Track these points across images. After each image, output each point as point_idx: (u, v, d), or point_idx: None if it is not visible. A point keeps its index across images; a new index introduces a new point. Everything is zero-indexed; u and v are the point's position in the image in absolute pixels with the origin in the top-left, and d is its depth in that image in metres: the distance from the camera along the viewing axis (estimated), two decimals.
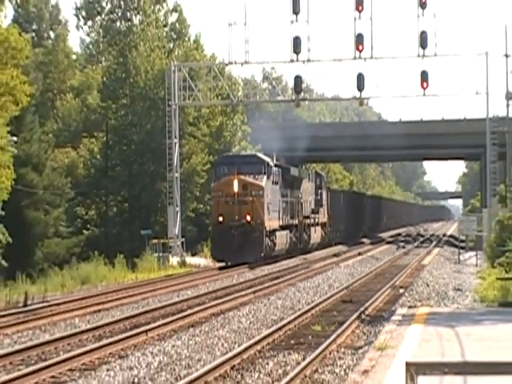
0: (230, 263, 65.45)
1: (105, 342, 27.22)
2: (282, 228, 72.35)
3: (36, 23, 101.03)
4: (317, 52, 72.84)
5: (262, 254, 65.61)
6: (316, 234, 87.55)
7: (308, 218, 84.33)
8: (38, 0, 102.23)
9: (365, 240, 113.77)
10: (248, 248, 63.77)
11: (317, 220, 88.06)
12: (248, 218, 64.69)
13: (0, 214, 61.89)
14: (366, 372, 19.08)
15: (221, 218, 65.58)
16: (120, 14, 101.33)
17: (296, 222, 78.57)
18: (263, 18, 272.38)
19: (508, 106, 71.33)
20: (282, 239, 72.05)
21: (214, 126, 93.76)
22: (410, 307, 35.11)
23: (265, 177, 66.88)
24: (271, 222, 67.93)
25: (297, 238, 78.82)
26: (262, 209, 65.33)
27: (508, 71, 70.33)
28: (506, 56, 68.57)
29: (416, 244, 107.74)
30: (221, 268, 64.31)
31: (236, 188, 64.67)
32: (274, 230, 69.23)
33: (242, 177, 65.53)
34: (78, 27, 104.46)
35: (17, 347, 26.58)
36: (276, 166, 71.81)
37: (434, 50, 67.93)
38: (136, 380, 21.12)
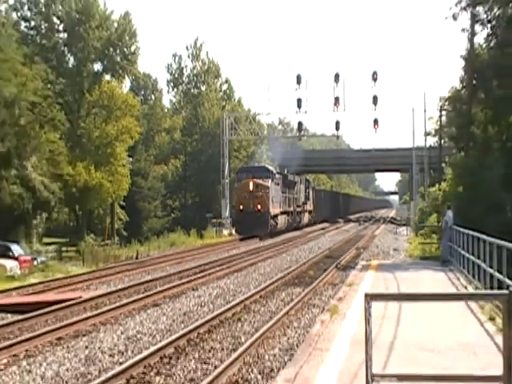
0: (246, 236, 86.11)
1: (184, 280, 42.36)
2: (282, 213, 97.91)
3: (143, 90, 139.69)
4: (311, 107, 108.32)
5: (268, 230, 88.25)
6: (305, 217, 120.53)
7: (300, 207, 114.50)
8: (144, 75, 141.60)
9: (340, 220, 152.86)
10: (258, 226, 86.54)
11: (306, 208, 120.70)
12: (258, 207, 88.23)
13: (122, 204, 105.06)
14: (340, 299, 28.17)
15: (241, 207, 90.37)
16: (193, 84, 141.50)
17: (292, 209, 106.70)
18: (279, 86, 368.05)
19: (425, 140, 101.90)
20: (282, 220, 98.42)
21: (249, 151, 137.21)
22: (367, 260, 49.81)
23: (270, 180, 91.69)
24: (274, 209, 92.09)
25: (292, 219, 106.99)
26: (267, 201, 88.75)
27: (426, 120, 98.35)
28: (425, 110, 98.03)
29: (370, 222, 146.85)
30: (240, 239, 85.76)
31: (251, 187, 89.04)
32: (277, 215, 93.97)
33: (255, 180, 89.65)
34: (168, 92, 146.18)
35: (129, 283, 42.71)
36: (278, 173, 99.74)
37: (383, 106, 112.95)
38: (203, 303, 33.53)
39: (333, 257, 57.03)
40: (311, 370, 15.29)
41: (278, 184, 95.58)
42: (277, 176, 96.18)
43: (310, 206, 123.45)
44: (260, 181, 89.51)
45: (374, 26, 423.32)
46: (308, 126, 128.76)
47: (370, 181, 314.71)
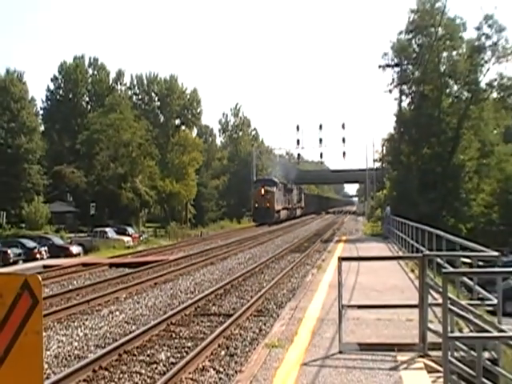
0: (259, 223, 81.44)
1: (230, 248, 42.86)
2: (283, 209, 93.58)
3: (204, 134, 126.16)
4: (305, 144, 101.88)
5: (274, 220, 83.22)
6: (299, 211, 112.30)
7: (295, 205, 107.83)
8: (205, 126, 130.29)
9: (323, 212, 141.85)
10: (267, 217, 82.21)
11: (299, 205, 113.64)
12: (267, 204, 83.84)
13: (192, 203, 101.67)
14: (323, 260, 27.86)
15: (256, 205, 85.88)
16: (234, 131, 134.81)
17: (290, 206, 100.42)
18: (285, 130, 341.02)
19: (374, 164, 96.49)
20: (284, 213, 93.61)
21: (268, 170, 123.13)
22: (339, 236, 48.84)
23: (275, 187, 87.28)
24: (278, 206, 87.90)
25: (290, 212, 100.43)
26: (273, 201, 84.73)
27: (373, 152, 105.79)
28: (373, 145, 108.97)
29: (341, 214, 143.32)
30: (256, 225, 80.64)
31: (263, 192, 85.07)
32: (280, 210, 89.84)
33: (265, 187, 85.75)
34: (219, 136, 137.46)
35: (196, 250, 43.03)
36: (281, 183, 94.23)
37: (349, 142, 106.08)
38: (240, 263, 33.57)
39: (318, 234, 56.84)
40: (306, 302, 15.27)
41: (280, 190, 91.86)
42: (280, 185, 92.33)
43: (301, 204, 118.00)
44: (268, 188, 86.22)
45: (343, 90, 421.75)
46: (304, 156, 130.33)
47: (341, 188, 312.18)
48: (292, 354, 10.02)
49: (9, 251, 41.24)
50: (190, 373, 11.54)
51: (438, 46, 49.98)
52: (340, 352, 9.93)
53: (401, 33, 53.67)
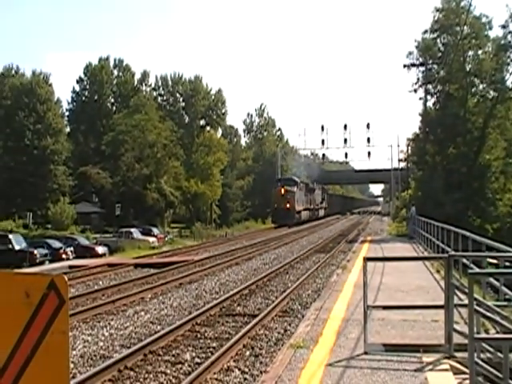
0: (279, 225, 79.12)
1: (254, 249, 43.23)
2: (305, 209, 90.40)
3: (229, 135, 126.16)
4: (330, 144, 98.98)
5: (294, 221, 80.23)
6: (321, 212, 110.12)
7: (317, 205, 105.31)
8: (230, 127, 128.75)
9: (348, 213, 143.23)
10: (287, 218, 79.42)
11: (322, 206, 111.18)
12: (288, 205, 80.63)
13: (216, 204, 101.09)
14: (348, 260, 27.84)
15: (276, 205, 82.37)
16: (259, 131, 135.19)
17: (312, 207, 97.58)
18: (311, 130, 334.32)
19: (399, 164, 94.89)
20: (305, 214, 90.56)
21: (294, 171, 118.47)
22: (364, 237, 48.99)
23: (295, 187, 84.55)
24: (299, 207, 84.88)
25: (312, 213, 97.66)
26: (294, 201, 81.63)
27: (399, 152, 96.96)
28: (398, 146, 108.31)
29: (366, 214, 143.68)
30: (275, 227, 78.46)
31: (282, 192, 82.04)
32: (301, 211, 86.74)
33: (285, 187, 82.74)
34: (244, 136, 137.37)
35: (221, 251, 43.38)
36: (302, 182, 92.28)
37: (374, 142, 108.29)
38: (265, 263, 33.81)
39: (343, 235, 56.74)
40: (331, 303, 15.24)
41: (301, 190, 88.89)
42: (301, 184, 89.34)
43: (324, 205, 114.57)
44: (289, 187, 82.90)
45: (368, 90, 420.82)
46: (329, 156, 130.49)
47: (366, 188, 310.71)
48: (317, 354, 10.00)
49: (35, 251, 41.53)
50: (214, 373, 11.55)
51: (463, 44, 49.64)
52: (365, 353, 9.90)
53: (426, 32, 53.43)
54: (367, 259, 10.56)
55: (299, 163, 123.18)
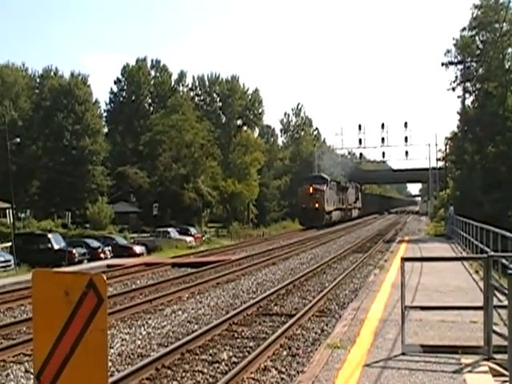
0: (307, 227, 74.21)
1: (291, 248, 43.47)
2: (336, 210, 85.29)
3: (266, 134, 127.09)
4: (368, 143, 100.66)
5: (323, 223, 75.34)
6: (355, 212, 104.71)
7: (351, 205, 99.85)
8: (267, 126, 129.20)
9: (385, 213, 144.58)
10: (316, 220, 74.35)
11: (355, 206, 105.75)
12: (316, 205, 75.87)
13: (254, 203, 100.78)
14: (386, 260, 27.81)
15: (303, 205, 77.26)
16: (296, 131, 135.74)
17: (344, 207, 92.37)
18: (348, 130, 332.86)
19: (437, 163, 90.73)
20: (336, 215, 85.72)
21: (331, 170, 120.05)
22: (402, 237, 49.08)
23: (325, 185, 78.62)
24: (329, 207, 79.55)
25: (345, 214, 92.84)
26: (323, 200, 76.52)
27: (436, 151, 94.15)
28: (436, 145, 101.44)
29: (404, 214, 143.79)
30: (303, 229, 73.97)
31: (310, 191, 76.76)
32: (331, 211, 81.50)
33: (314, 185, 77.32)
34: (281, 136, 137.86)
35: (258, 250, 44.14)
36: (333, 180, 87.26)
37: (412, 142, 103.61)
38: (302, 263, 34.09)
39: (381, 234, 56.49)
40: (368, 303, 15.18)
41: (332, 188, 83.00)
42: (331, 182, 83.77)
43: (358, 204, 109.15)
44: (317, 186, 77.22)
45: (405, 89, 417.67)
46: (366, 155, 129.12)
47: (404, 188, 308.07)
48: (354, 354, 9.97)
49: (74, 251, 41.94)
50: (251, 372, 11.57)
51: (502, 42, 48.99)
52: (403, 354, 9.84)
53: (464, 29, 52.91)
54: (405, 259, 10.49)
55: (335, 162, 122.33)
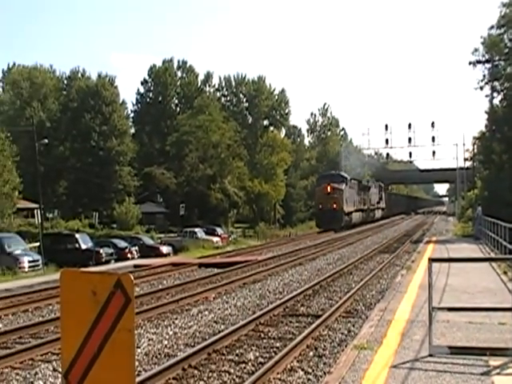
0: (324, 229, 70.27)
1: (318, 249, 43.71)
2: (356, 210, 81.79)
3: (293, 135, 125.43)
4: (394, 143, 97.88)
5: (342, 225, 72.10)
6: (378, 213, 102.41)
7: (373, 205, 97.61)
8: (293, 127, 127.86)
9: (412, 213, 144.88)
10: (333, 221, 71.06)
11: (379, 206, 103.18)
12: (334, 205, 72.66)
13: (280, 204, 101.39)
14: (413, 261, 27.65)
15: (320, 206, 74.96)
16: (323, 131, 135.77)
17: (366, 207, 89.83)
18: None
19: (464, 163, 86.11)
20: (357, 216, 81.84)
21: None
22: (429, 237, 49.13)
23: (344, 184, 75.63)
24: (348, 207, 75.93)
25: (367, 215, 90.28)
26: (341, 201, 73.24)
27: (464, 151, 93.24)
28: (464, 145, 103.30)
29: (431, 214, 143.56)
30: (318, 232, 70.07)
31: (328, 190, 73.91)
32: (351, 212, 77.90)
33: (332, 184, 74.29)
34: (307, 136, 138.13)
35: (285, 251, 44.19)
36: (353, 179, 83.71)
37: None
38: (329, 263, 34.13)
39: (408, 235, 56.27)
40: (395, 304, 15.12)
41: (352, 187, 79.59)
42: (352, 181, 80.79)
43: (382, 205, 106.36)
44: (336, 185, 73.78)
45: (435, 91, 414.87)
46: (393, 155, 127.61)
47: (431, 188, 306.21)
48: (381, 355, 9.93)
49: (101, 251, 42.20)
50: (278, 373, 11.56)
51: None
52: (430, 355, 9.79)
53: (492, 27, 52.37)
54: (432, 260, 10.44)
55: (362, 162, 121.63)
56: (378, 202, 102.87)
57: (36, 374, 11.99)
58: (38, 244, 42.86)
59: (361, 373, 8.95)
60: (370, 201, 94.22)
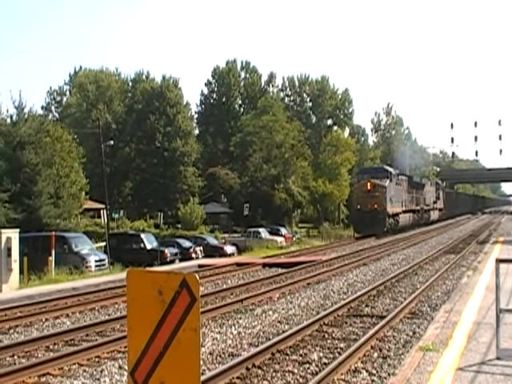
0: (363, 235, 61.18)
1: (382, 249, 43.64)
2: (405, 212, 70.34)
3: (357, 134, 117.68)
4: (460, 142, 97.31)
5: (385, 229, 61.96)
6: (434, 214, 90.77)
7: (429, 205, 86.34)
8: (357, 126, 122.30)
9: (478, 213, 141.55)
10: (374, 225, 60.50)
11: (435, 206, 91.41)
12: (375, 206, 61.66)
13: (344, 203, 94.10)
14: (479, 262, 27.65)
15: (358, 206, 63.81)
16: (387, 130, 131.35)
17: (419, 208, 78.72)
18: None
19: None
20: (405, 219, 70.61)
21: (423, 170, 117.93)
22: (495, 238, 47.37)
23: (388, 180, 64.45)
24: (393, 208, 64.63)
25: (419, 217, 79.09)
26: (384, 200, 61.95)
27: None
28: None
29: (497, 214, 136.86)
30: (356, 238, 61.64)
31: (369, 187, 62.71)
32: (397, 214, 66.42)
33: (373, 180, 63.26)
34: (371, 135, 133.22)
35: (349, 251, 43.03)
36: (401, 174, 73.62)
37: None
38: (393, 264, 33.66)
39: (474, 235, 55.34)
40: (461, 305, 14.93)
41: (399, 184, 69.02)
42: (400, 177, 70.90)
43: (439, 205, 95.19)
44: (377, 181, 63.24)
45: (499, 84, 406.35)
46: (458, 154, 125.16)
47: (498, 187, 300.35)
48: (447, 358, 9.82)
49: (166, 250, 42.67)
50: (342, 374, 11.52)
51: None
52: (497, 358, 9.64)
53: None
54: (500, 261, 10.27)
55: (427, 162, 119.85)
56: (435, 202, 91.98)
57: (102, 371, 12.22)
58: (104, 244, 43.61)
59: (426, 375, 8.87)
60: (424, 200, 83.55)
